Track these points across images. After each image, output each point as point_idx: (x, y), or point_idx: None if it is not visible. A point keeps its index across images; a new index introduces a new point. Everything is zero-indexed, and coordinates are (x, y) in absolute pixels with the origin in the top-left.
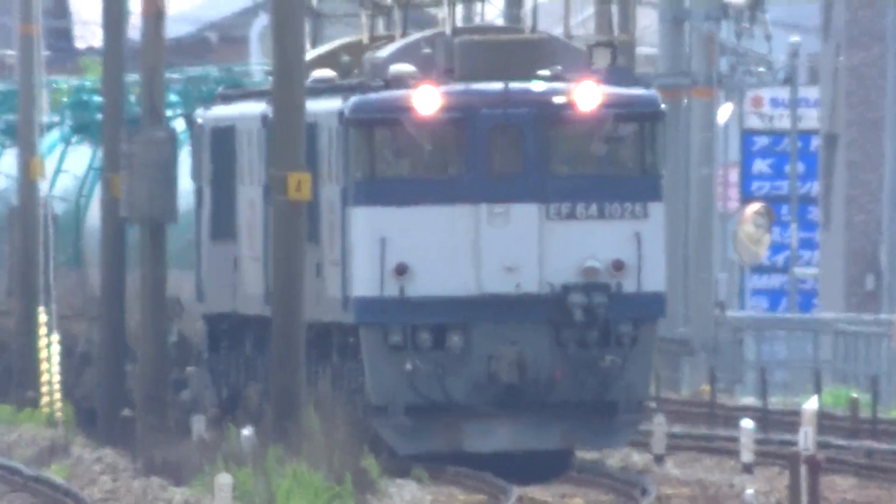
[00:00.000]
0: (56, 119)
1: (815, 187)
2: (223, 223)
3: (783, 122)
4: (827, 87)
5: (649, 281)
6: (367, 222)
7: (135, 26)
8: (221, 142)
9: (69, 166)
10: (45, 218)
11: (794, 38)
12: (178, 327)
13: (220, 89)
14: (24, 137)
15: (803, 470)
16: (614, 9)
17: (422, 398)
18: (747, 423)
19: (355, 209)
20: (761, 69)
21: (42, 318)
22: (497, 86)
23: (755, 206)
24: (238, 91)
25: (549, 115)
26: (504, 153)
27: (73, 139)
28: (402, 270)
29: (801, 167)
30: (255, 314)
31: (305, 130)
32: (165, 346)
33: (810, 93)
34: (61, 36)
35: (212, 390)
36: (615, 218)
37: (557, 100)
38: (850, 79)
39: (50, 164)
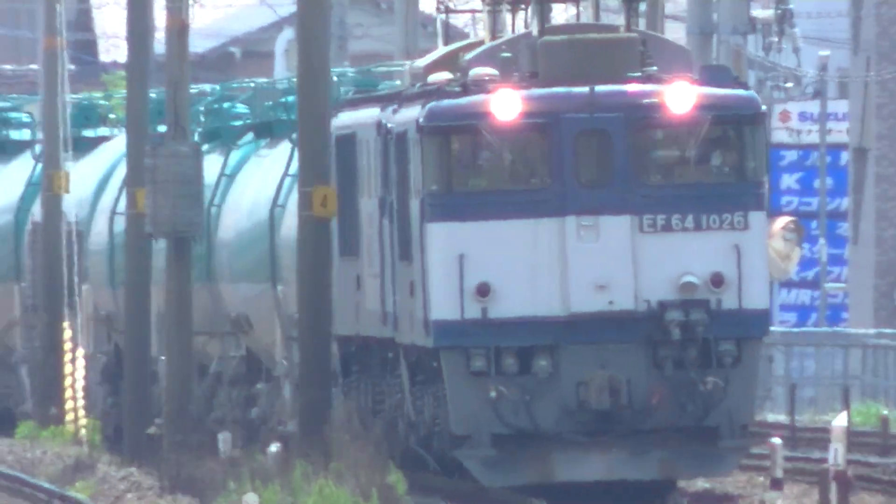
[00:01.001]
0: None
1: (844, 203)
2: (348, 238)
3: (812, 136)
4: (857, 100)
5: (751, 296)
6: (444, 239)
7: (159, 41)
8: (344, 151)
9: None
10: (70, 233)
11: (824, 52)
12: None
13: (350, 93)
14: (48, 152)
15: (833, 487)
16: (642, 22)
17: (508, 427)
18: (776, 440)
19: (431, 225)
20: (789, 83)
21: (67, 333)
22: (583, 89)
23: (784, 222)
24: (364, 96)
25: (639, 118)
26: (591, 161)
27: (204, 147)
28: (483, 290)
29: (829, 182)
30: (374, 336)
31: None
32: (191, 363)
33: (839, 106)
34: (86, 49)
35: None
36: (713, 229)
37: (648, 102)
38: (880, 92)
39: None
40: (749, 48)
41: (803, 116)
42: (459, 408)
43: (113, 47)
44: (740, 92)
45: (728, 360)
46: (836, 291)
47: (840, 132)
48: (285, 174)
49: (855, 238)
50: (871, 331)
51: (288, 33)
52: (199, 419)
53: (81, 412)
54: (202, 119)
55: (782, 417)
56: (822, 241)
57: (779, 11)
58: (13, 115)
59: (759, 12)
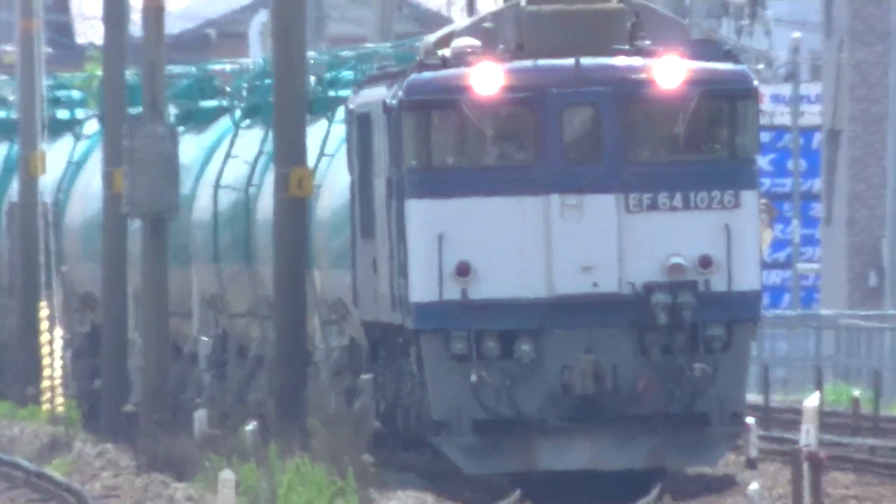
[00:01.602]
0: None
1: (816, 184)
2: (366, 220)
3: (784, 118)
4: (829, 83)
5: (741, 278)
6: (423, 217)
7: (135, 22)
8: (362, 130)
9: (239, 151)
10: (45, 213)
11: (796, 35)
12: (349, 332)
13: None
14: (25, 133)
15: (805, 466)
16: None
17: (489, 413)
18: (750, 420)
19: (410, 202)
20: (762, 66)
21: (44, 312)
22: (568, 62)
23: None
24: (381, 73)
25: (627, 93)
26: (577, 137)
27: (244, 123)
28: (464, 270)
29: (802, 164)
30: (387, 321)
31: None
32: (167, 342)
33: (812, 89)
34: (62, 31)
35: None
36: (702, 209)
37: (637, 76)
38: (853, 75)
39: (221, 152)
40: (722, 31)
41: (776, 99)
42: (439, 393)
43: (90, 28)
44: (731, 66)
45: (717, 344)
46: (808, 272)
47: (813, 114)
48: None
49: (828, 219)
50: (845, 312)
51: (263, 15)
52: (241, 400)
53: (59, 391)
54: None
55: (757, 398)
56: (795, 222)
57: None
58: None
59: None
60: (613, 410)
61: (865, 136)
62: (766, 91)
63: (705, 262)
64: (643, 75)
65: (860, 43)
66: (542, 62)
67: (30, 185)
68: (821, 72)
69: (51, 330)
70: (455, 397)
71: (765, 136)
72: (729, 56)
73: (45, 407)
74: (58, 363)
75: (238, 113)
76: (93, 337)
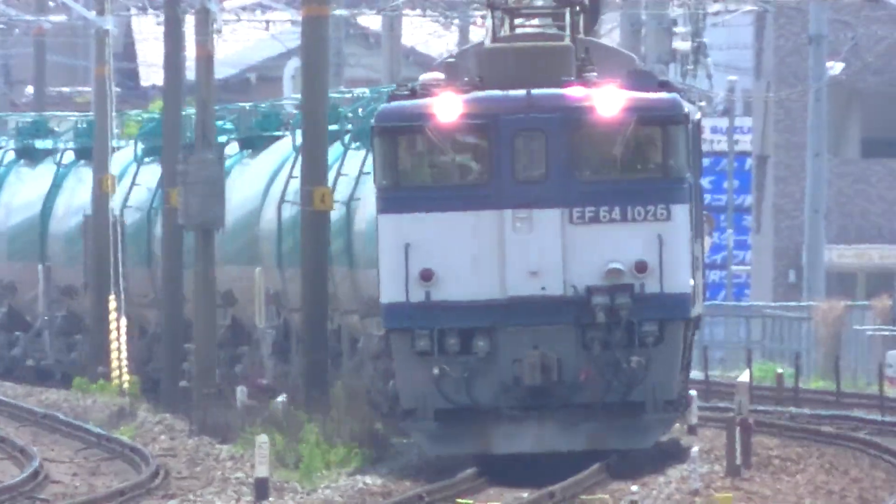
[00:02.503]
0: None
1: (748, 199)
2: None
3: (722, 145)
4: (759, 117)
5: (672, 282)
6: (392, 229)
7: (189, 68)
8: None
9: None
10: (114, 224)
11: (731, 77)
12: None
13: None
14: (98, 159)
15: (738, 431)
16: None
17: (449, 402)
18: (692, 392)
19: (381, 216)
20: (703, 102)
21: (112, 304)
22: (520, 92)
23: None
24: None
25: (571, 120)
26: (527, 159)
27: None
28: (427, 276)
29: (736, 182)
30: None
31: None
32: (215, 329)
33: (744, 122)
34: (129, 76)
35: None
36: (638, 221)
37: (579, 105)
38: (777, 110)
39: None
40: (670, 74)
41: (714, 130)
42: (406, 384)
43: (153, 73)
44: (663, 95)
45: (650, 340)
46: (740, 272)
47: (745, 142)
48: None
49: (757, 228)
50: (770, 304)
51: (295, 62)
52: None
53: (125, 370)
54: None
55: (698, 374)
56: (729, 231)
57: (695, 44)
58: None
59: (678, 44)
60: (558, 399)
61: (788, 160)
62: (706, 123)
63: (641, 268)
64: (586, 104)
65: (784, 84)
66: (497, 93)
67: (102, 201)
68: (751, 107)
69: (118, 319)
70: (420, 388)
71: (705, 160)
72: (664, 86)
73: (114, 382)
74: (123, 346)
75: (348, 137)
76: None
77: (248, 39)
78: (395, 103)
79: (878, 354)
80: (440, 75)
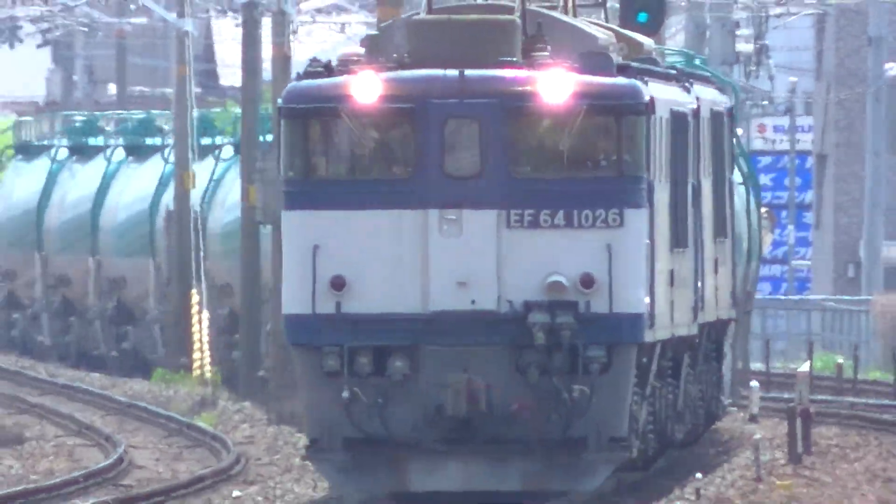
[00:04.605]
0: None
1: (808, 196)
2: None
3: (783, 144)
4: (819, 116)
5: (623, 300)
6: (298, 228)
7: (266, 69)
8: None
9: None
10: (196, 220)
11: (793, 78)
12: None
13: None
14: (179, 156)
15: (798, 420)
16: None
17: (360, 431)
18: (754, 383)
19: (286, 213)
20: (765, 102)
21: (194, 298)
22: (451, 73)
23: (762, 211)
24: None
25: (511, 106)
26: (458, 151)
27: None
28: (338, 284)
29: (797, 180)
30: None
31: None
32: None
33: (805, 121)
34: (209, 76)
35: None
36: (585, 227)
37: (521, 89)
38: (837, 110)
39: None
40: (734, 75)
41: (776, 129)
42: (312, 409)
43: (231, 74)
44: (620, 80)
45: (596, 367)
46: (801, 267)
47: (805, 141)
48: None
49: (817, 224)
50: (830, 297)
51: None
52: None
53: (206, 361)
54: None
55: (759, 365)
56: (790, 227)
57: (757, 46)
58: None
59: (742, 46)
60: (487, 432)
61: (847, 159)
62: (768, 123)
63: (587, 282)
64: (528, 88)
65: (843, 85)
66: (424, 72)
67: (183, 197)
68: (812, 107)
69: (199, 312)
70: (327, 414)
71: (767, 159)
72: (623, 70)
73: (195, 373)
74: (205, 338)
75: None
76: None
77: (324, 41)
78: (305, 81)
79: None
80: (361, 50)
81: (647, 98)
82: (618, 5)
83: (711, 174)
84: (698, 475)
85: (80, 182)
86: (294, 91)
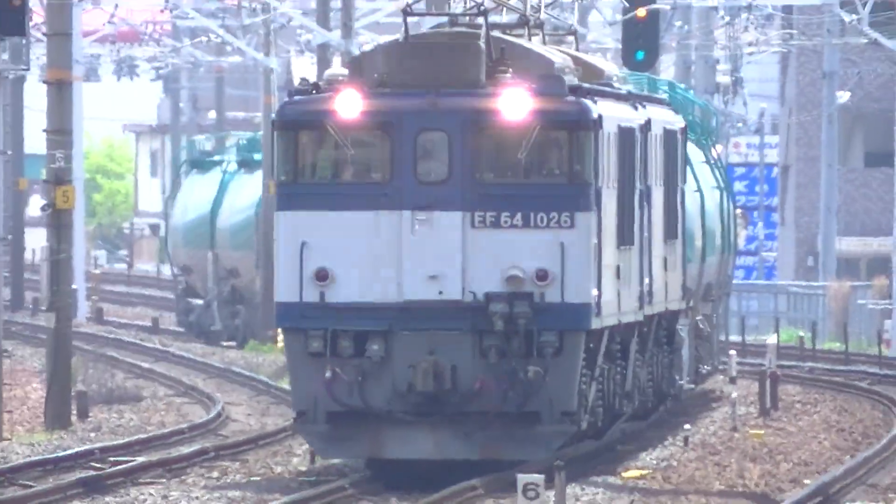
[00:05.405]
0: None
1: (774, 200)
2: None
3: (754, 157)
4: (783, 135)
5: (573, 291)
6: (288, 226)
7: None
8: None
9: None
10: None
11: (762, 104)
12: None
13: None
14: (266, 167)
15: (768, 381)
16: None
17: (341, 405)
18: (732, 352)
19: (279, 213)
20: (740, 124)
21: None
22: (423, 91)
23: (737, 211)
24: None
25: (475, 122)
26: (428, 159)
27: None
28: (322, 276)
29: (765, 187)
30: None
31: None
32: None
33: (772, 139)
34: None
35: None
36: (541, 227)
37: (485, 107)
38: (798, 130)
39: None
40: (715, 101)
41: (749, 145)
42: (299, 386)
43: None
44: (571, 100)
45: (549, 350)
46: (769, 258)
47: (772, 155)
48: None
49: (782, 222)
50: (793, 282)
51: None
52: None
53: None
54: None
55: (736, 337)
56: (760, 224)
57: (733, 78)
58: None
59: (721, 78)
60: (453, 406)
61: (806, 169)
62: (742, 140)
63: (542, 276)
64: (491, 106)
65: (803, 110)
66: (400, 91)
67: (269, 201)
68: (778, 128)
69: None
70: (312, 390)
71: (741, 169)
72: (575, 91)
73: (279, 344)
74: None
75: None
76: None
77: None
78: (296, 98)
79: (877, 323)
80: (345, 71)
81: (595, 115)
82: (578, 26)
83: (663, 183)
84: (686, 426)
85: (246, 190)
86: (286, 107)
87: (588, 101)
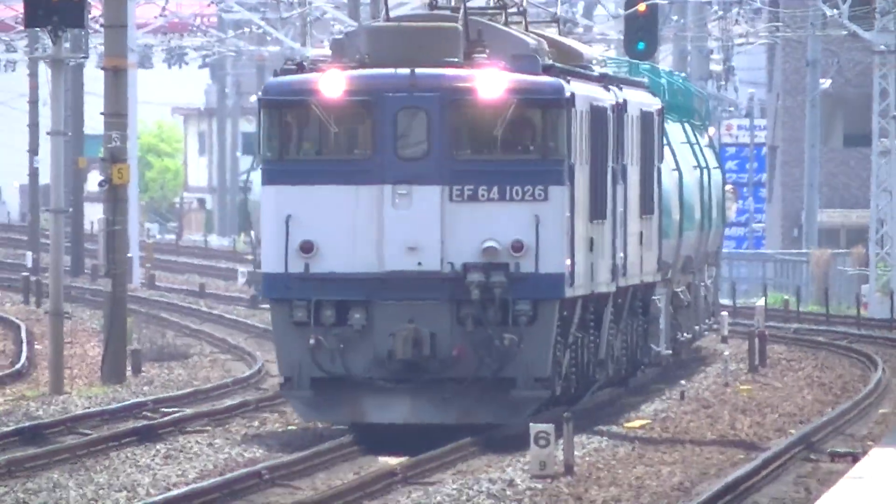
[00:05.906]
0: None
1: (763, 177)
2: None
3: (745, 138)
4: (770, 118)
5: (547, 262)
6: (274, 201)
7: None
8: None
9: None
10: None
11: (751, 90)
12: None
13: None
14: None
15: (756, 340)
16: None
17: (324, 372)
18: (724, 313)
19: (265, 188)
20: (731, 108)
21: None
22: (404, 71)
23: (728, 187)
24: None
25: (453, 100)
26: (408, 136)
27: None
28: (307, 248)
29: (755, 165)
30: None
31: None
32: None
33: (760, 122)
34: None
35: None
36: (516, 200)
37: (462, 85)
38: (784, 113)
39: None
40: (708, 87)
41: (740, 127)
42: (284, 353)
43: None
44: (544, 79)
45: (524, 318)
46: (758, 229)
47: (761, 136)
48: None
49: (769, 198)
50: (780, 251)
51: None
52: None
53: None
54: None
55: (728, 301)
56: (749, 199)
57: (725, 66)
58: None
59: (714, 66)
60: (431, 373)
61: (791, 149)
62: (734, 123)
63: (517, 247)
64: (468, 84)
65: (788, 95)
66: (381, 71)
67: None
68: (766, 112)
69: None
70: (297, 357)
71: (732, 150)
72: (548, 70)
73: None
74: None
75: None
76: None
77: None
78: (281, 77)
79: (855, 287)
80: (328, 52)
81: (567, 94)
82: (584, 19)
83: (639, 162)
84: (682, 381)
85: None
86: (272, 85)
87: (561, 80)
